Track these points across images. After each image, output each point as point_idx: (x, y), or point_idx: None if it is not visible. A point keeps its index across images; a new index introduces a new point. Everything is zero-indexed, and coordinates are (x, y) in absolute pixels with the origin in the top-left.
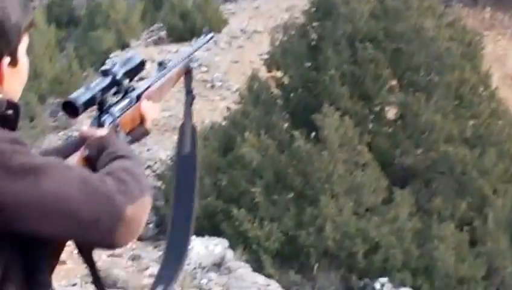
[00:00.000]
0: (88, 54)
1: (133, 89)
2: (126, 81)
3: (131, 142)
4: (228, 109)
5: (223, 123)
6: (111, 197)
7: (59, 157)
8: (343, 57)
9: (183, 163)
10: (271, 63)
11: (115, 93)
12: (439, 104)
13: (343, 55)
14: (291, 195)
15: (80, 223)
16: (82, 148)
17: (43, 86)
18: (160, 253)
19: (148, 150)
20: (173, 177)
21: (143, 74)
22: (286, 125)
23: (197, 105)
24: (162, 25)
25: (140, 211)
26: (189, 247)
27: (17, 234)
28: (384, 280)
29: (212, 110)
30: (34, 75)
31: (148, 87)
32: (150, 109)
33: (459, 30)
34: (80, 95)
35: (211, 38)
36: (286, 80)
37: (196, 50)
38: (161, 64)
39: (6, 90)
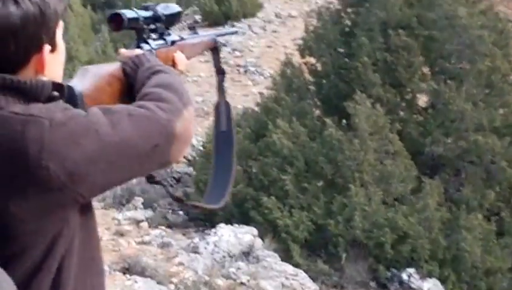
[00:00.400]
0: (122, 37)
1: (169, 34)
2: (164, 24)
3: None
4: (261, 94)
5: (256, 109)
6: (159, 120)
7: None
8: (376, 44)
9: (221, 140)
10: (304, 49)
11: (152, 30)
12: (470, 93)
13: (376, 42)
14: (321, 183)
15: (141, 157)
16: (119, 63)
17: (77, 69)
18: (189, 241)
19: None
20: (213, 153)
21: None
22: (318, 112)
23: (230, 90)
24: (197, 8)
25: (187, 123)
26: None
27: (82, 197)
28: (411, 270)
29: (245, 95)
30: (69, 58)
31: (183, 39)
32: (181, 60)
33: (491, 18)
34: (127, 12)
35: (235, 32)
36: (319, 67)
37: (222, 34)
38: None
39: (49, 76)
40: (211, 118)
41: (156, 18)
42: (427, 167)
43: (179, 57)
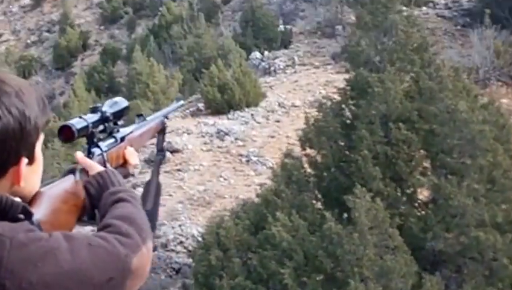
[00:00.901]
0: (125, 123)
1: (118, 131)
2: (112, 122)
3: None
4: (261, 186)
5: (255, 200)
6: (117, 254)
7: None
8: (376, 137)
9: None
10: (305, 141)
11: (101, 131)
12: (471, 188)
13: (376, 135)
14: (320, 277)
15: (95, 287)
16: (77, 173)
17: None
18: None
19: (180, 225)
20: None
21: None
22: (318, 204)
23: (232, 180)
24: (200, 96)
25: (144, 259)
26: None
27: None
28: None
29: (247, 185)
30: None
31: (131, 132)
32: (132, 155)
33: (492, 112)
34: (77, 122)
35: (181, 105)
36: (319, 159)
37: (168, 113)
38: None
39: (25, 187)
40: (213, 208)
41: (104, 119)
42: (428, 263)
43: (129, 152)
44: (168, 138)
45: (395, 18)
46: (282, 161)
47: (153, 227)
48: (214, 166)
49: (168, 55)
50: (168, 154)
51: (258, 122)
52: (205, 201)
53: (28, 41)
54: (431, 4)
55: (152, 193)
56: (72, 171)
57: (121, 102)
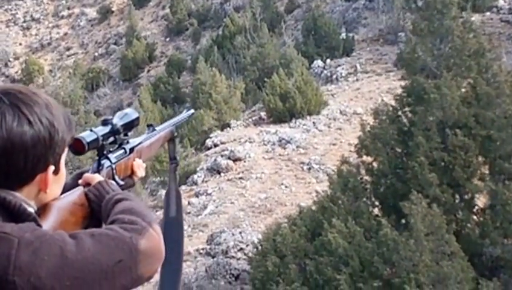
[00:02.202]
0: (189, 133)
1: (127, 142)
2: (122, 134)
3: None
4: (317, 193)
5: (312, 207)
6: (122, 238)
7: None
8: (433, 144)
9: (170, 226)
10: (361, 148)
11: (111, 143)
12: None
13: (433, 141)
14: (376, 283)
15: (105, 273)
16: (81, 189)
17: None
18: None
19: (240, 232)
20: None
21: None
22: (375, 211)
23: (293, 187)
24: (262, 105)
25: (153, 241)
26: None
27: None
28: None
29: (308, 193)
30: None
31: (140, 143)
32: (139, 167)
33: None
34: (87, 136)
35: (192, 114)
36: (375, 165)
37: (178, 122)
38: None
39: (49, 194)
40: (274, 215)
41: (114, 131)
42: (485, 269)
43: (137, 164)
44: (230, 146)
45: (451, 24)
46: (338, 167)
47: (181, 233)
48: (275, 174)
49: (232, 65)
50: (230, 162)
51: (320, 130)
52: (266, 209)
53: (96, 54)
54: (494, 9)
55: (173, 200)
56: (79, 176)
57: (131, 114)
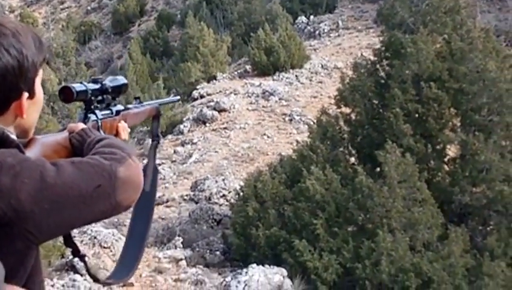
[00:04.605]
0: (176, 85)
1: (115, 105)
2: (110, 96)
3: None
4: (297, 142)
5: (292, 156)
6: (101, 165)
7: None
8: (408, 96)
9: (142, 199)
10: (340, 99)
11: (99, 102)
12: (498, 144)
13: (408, 93)
14: (351, 228)
15: (84, 197)
16: (66, 132)
17: None
18: (222, 279)
19: (223, 180)
20: (132, 214)
21: None
22: (351, 160)
23: (275, 138)
24: (247, 59)
25: (132, 170)
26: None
27: (31, 233)
28: None
29: (289, 143)
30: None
31: (127, 109)
32: (124, 129)
33: None
34: (77, 86)
35: (178, 100)
36: (353, 116)
37: (163, 103)
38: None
39: (26, 120)
40: (256, 164)
41: (103, 90)
42: (454, 215)
43: (122, 126)
44: (216, 97)
45: None
46: (318, 118)
47: (152, 207)
48: (258, 124)
49: (219, 20)
50: (215, 113)
51: (302, 83)
52: (249, 157)
53: (88, 7)
54: None
55: (149, 176)
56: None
57: (120, 79)
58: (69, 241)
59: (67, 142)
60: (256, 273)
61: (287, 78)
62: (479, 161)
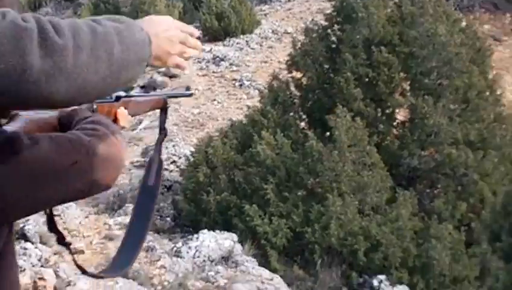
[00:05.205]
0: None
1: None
2: None
3: None
4: (248, 107)
5: (243, 121)
6: (80, 141)
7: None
8: (359, 60)
9: (146, 193)
10: (292, 64)
11: None
12: (447, 108)
13: (359, 58)
14: (300, 193)
15: (59, 173)
16: (56, 111)
17: None
18: (173, 245)
19: (174, 146)
20: (134, 206)
21: None
22: (302, 124)
23: (225, 103)
24: (199, 24)
25: (113, 147)
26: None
27: (2, 210)
28: (382, 277)
29: (239, 108)
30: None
31: (129, 96)
32: (123, 116)
33: (470, 36)
34: None
35: (189, 95)
36: (304, 81)
37: (173, 96)
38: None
39: None
40: (206, 130)
41: None
42: (403, 179)
43: (122, 112)
44: None
45: None
46: (269, 83)
47: (154, 202)
48: (208, 90)
49: None
50: (166, 79)
51: (252, 49)
52: (199, 123)
53: None
54: None
55: (154, 169)
56: None
57: None
58: (53, 227)
59: (56, 121)
60: (207, 238)
61: (237, 43)
62: (428, 124)
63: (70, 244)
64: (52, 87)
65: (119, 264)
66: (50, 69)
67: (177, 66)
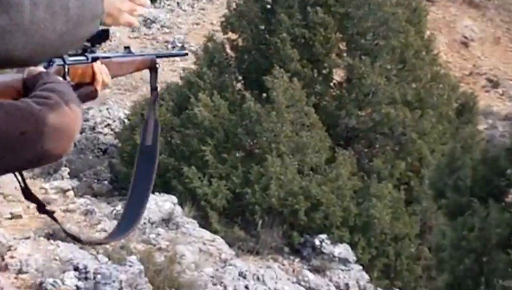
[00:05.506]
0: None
1: (93, 52)
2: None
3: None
4: (183, 69)
5: (179, 83)
6: (30, 110)
7: None
8: (294, 21)
9: (145, 154)
10: (227, 26)
11: None
12: (384, 68)
13: (294, 18)
14: (239, 154)
15: (7, 143)
16: (21, 74)
17: None
18: (112, 208)
19: (107, 109)
20: (134, 166)
21: None
22: (239, 86)
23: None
24: None
25: (65, 117)
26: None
27: None
28: (323, 236)
29: (173, 70)
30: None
31: (108, 57)
32: (102, 71)
33: None
34: None
35: (184, 54)
36: (240, 42)
37: (164, 54)
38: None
39: None
40: (139, 92)
41: None
42: (342, 139)
43: (98, 70)
44: None
45: None
46: (204, 44)
47: (155, 162)
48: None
49: None
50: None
51: (184, 10)
52: (132, 86)
53: None
54: None
55: (151, 129)
56: None
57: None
58: (28, 195)
59: (20, 85)
60: None
61: (168, 5)
62: (365, 84)
63: (53, 212)
64: (9, 44)
65: (124, 227)
66: (6, 25)
67: (129, 24)
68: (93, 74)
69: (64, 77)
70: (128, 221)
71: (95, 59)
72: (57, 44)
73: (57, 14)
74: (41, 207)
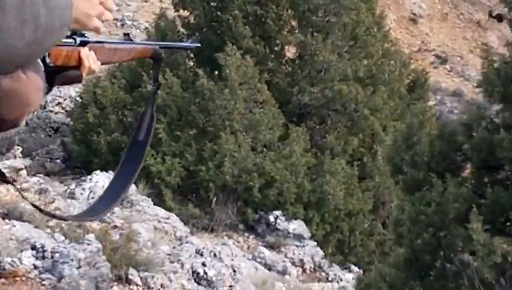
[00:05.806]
0: None
1: (83, 35)
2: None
3: (61, 83)
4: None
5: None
6: None
7: None
8: None
9: (135, 148)
10: (178, 3)
11: None
12: (336, 44)
13: None
14: (193, 131)
15: None
16: None
17: None
18: (66, 187)
19: (58, 87)
20: (121, 159)
21: None
22: (191, 63)
23: None
24: None
25: (20, 83)
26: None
27: None
28: (278, 212)
29: None
30: None
31: (101, 42)
32: (89, 57)
33: None
34: None
35: (195, 47)
36: (192, 19)
37: (171, 46)
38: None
39: None
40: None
41: None
42: (294, 115)
43: (85, 55)
44: None
45: None
46: (156, 21)
47: (142, 157)
48: (107, 30)
49: None
50: None
51: None
52: None
53: None
54: None
55: (146, 123)
56: None
57: None
58: None
59: None
60: (101, 179)
61: None
62: (317, 61)
63: (15, 181)
64: None
65: (98, 209)
66: None
67: (96, 30)
68: (80, 58)
69: (43, 58)
70: (104, 204)
71: (84, 43)
72: (24, 52)
73: (26, 22)
74: (1, 176)
